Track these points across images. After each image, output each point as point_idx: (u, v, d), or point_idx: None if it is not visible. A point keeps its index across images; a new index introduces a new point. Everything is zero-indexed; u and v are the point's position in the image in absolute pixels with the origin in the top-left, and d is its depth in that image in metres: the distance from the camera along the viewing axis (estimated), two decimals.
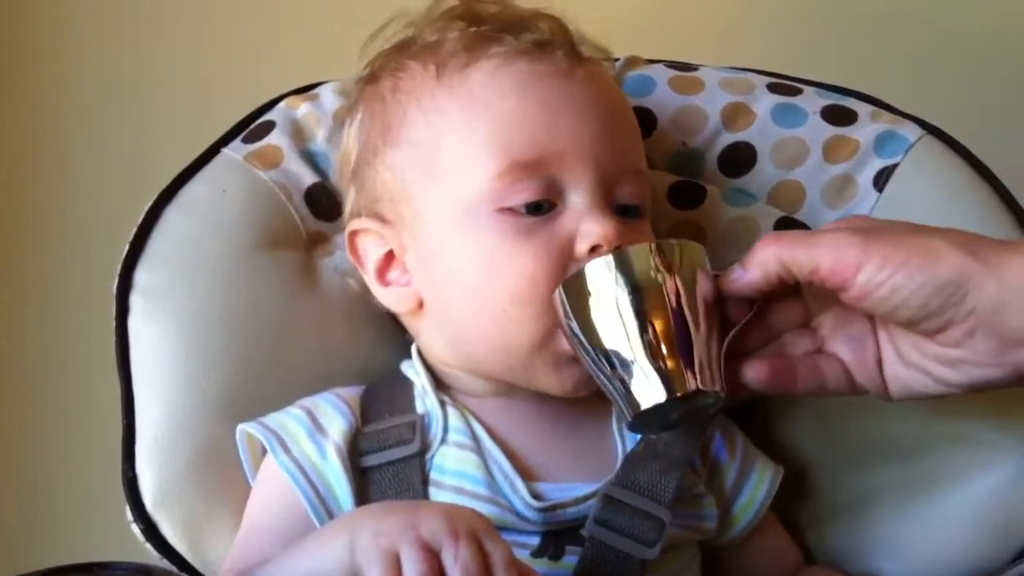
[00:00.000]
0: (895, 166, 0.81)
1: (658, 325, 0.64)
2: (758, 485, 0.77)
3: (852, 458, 0.79)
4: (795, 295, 0.70)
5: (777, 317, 0.70)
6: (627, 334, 0.64)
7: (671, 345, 0.64)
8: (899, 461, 0.77)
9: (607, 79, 0.76)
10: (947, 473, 0.75)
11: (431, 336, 0.75)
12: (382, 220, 0.75)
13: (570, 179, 0.70)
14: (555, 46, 0.73)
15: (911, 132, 0.83)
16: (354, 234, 0.76)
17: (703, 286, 0.66)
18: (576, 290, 0.66)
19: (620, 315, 0.65)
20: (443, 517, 0.59)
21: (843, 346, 0.69)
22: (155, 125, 1.08)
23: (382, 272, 0.75)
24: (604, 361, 0.65)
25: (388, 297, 0.76)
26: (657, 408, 0.65)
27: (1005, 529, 0.74)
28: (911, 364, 0.67)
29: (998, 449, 0.74)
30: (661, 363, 0.64)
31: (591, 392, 0.71)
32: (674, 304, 0.65)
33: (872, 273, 0.63)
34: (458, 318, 0.72)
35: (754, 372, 0.68)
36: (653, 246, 0.66)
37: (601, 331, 0.65)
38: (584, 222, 0.69)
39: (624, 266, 0.65)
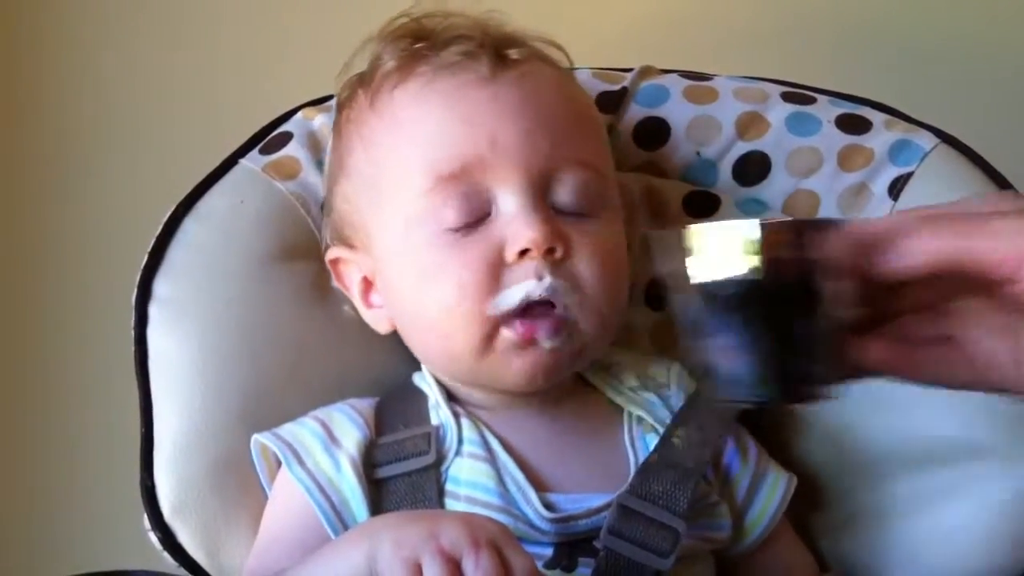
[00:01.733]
0: (910, 174, 0.81)
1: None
2: (771, 494, 0.77)
3: (866, 468, 0.79)
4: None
5: (901, 296, 0.61)
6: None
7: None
8: (913, 471, 0.77)
9: (544, 76, 0.75)
10: (962, 483, 0.75)
11: (414, 350, 0.76)
12: (351, 247, 0.76)
13: (496, 183, 0.70)
14: (481, 54, 0.72)
15: (926, 141, 0.82)
16: (334, 263, 0.78)
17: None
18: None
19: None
20: (464, 526, 0.59)
21: (985, 337, 0.59)
22: (173, 136, 1.09)
23: (365, 296, 0.77)
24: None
25: (372, 319, 0.77)
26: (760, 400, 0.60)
27: (1020, 539, 0.74)
28: None
29: (1012, 459, 0.74)
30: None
31: (557, 381, 0.71)
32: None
33: None
34: (410, 335, 0.74)
35: (877, 353, 0.60)
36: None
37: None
38: (512, 225, 0.69)
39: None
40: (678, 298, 0.59)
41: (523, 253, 0.69)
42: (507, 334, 0.69)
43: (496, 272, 0.69)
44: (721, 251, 0.56)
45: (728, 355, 0.57)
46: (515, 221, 0.69)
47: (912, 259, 0.56)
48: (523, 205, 0.70)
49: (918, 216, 0.58)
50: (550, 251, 0.69)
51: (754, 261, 0.56)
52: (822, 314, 0.57)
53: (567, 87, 0.77)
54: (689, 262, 0.57)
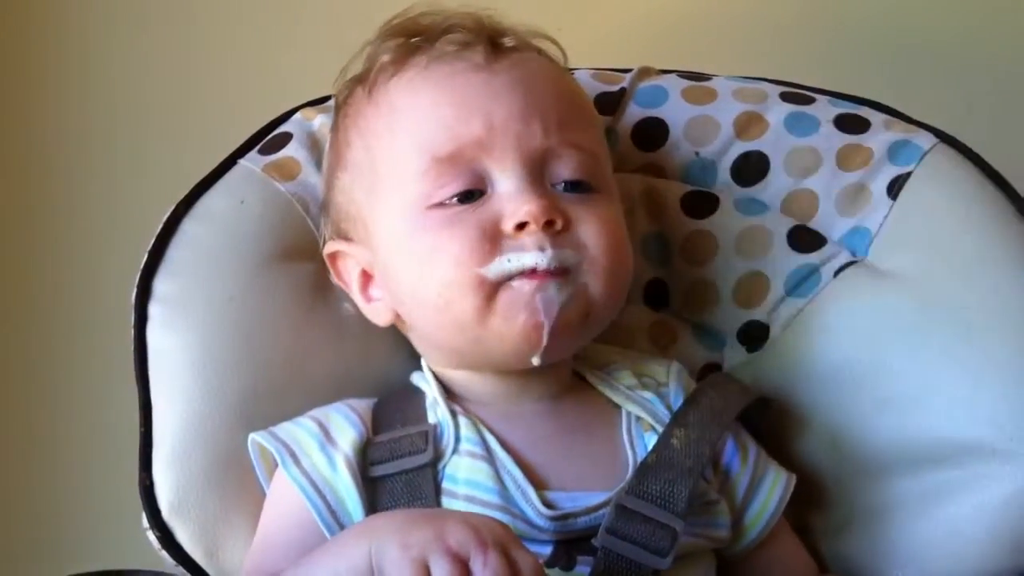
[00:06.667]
0: (909, 174, 0.81)
1: None
2: (770, 493, 0.76)
3: (867, 468, 0.78)
4: None
5: None
6: None
7: None
8: (914, 471, 0.76)
9: (537, 63, 0.75)
10: (962, 483, 0.75)
11: (419, 344, 0.77)
12: (348, 240, 0.77)
13: (493, 164, 0.71)
14: (475, 43, 0.73)
15: (925, 140, 0.82)
16: (332, 257, 0.78)
17: None
18: None
19: None
20: (469, 527, 0.59)
21: None
22: (173, 136, 1.09)
23: (364, 289, 0.77)
24: None
25: (372, 313, 0.77)
26: None
27: (1021, 540, 0.73)
28: None
29: (1014, 458, 0.73)
30: None
31: (564, 351, 0.72)
32: None
33: None
34: (416, 319, 0.74)
35: None
36: None
37: None
38: (510, 202, 0.70)
39: None
40: None
41: (521, 227, 0.69)
42: (511, 286, 0.69)
43: (494, 240, 0.69)
44: None
45: None
46: (513, 198, 0.70)
47: None
48: (520, 183, 0.70)
49: None
50: (549, 224, 0.69)
51: None
52: None
53: (561, 75, 0.77)
54: None
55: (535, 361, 0.71)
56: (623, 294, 0.75)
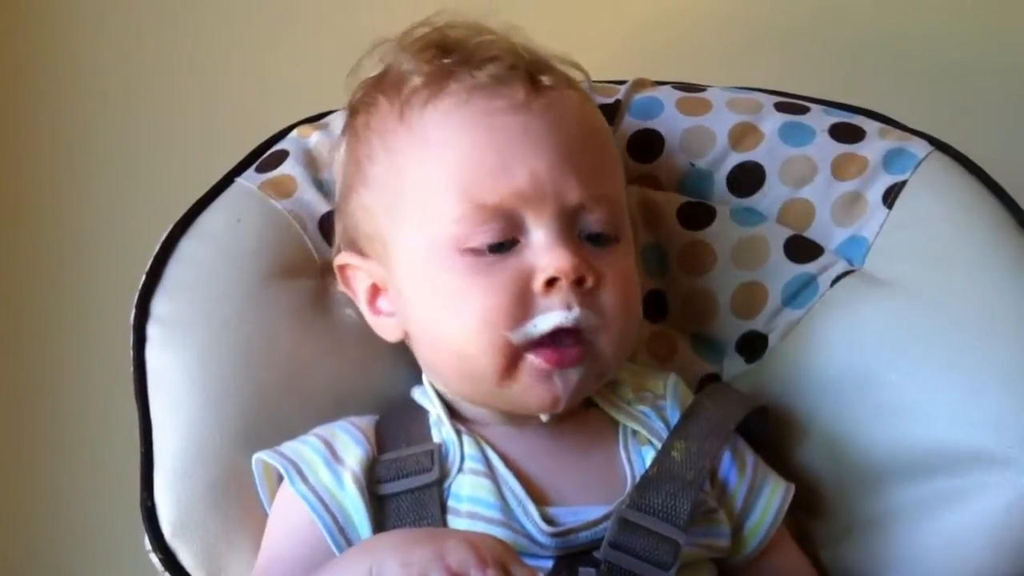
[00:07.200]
0: (904, 183, 0.81)
1: None
2: (769, 502, 0.76)
3: (866, 476, 0.78)
4: None
5: None
6: None
7: None
8: (914, 479, 0.76)
9: (571, 104, 0.74)
10: (963, 490, 0.75)
11: (425, 367, 0.77)
12: (362, 255, 0.76)
13: (530, 215, 0.70)
14: (514, 77, 0.72)
15: (920, 148, 0.83)
16: (342, 268, 0.78)
17: None
18: None
19: None
20: (469, 546, 0.59)
21: None
22: (170, 155, 1.09)
23: (372, 302, 0.77)
24: None
25: (379, 326, 0.77)
26: None
27: (1022, 547, 0.73)
28: None
29: (1013, 465, 0.73)
30: None
31: (575, 406, 0.72)
32: None
33: None
34: (430, 354, 0.74)
35: None
36: None
37: None
38: (543, 256, 0.70)
39: None
40: None
41: (551, 283, 0.69)
42: (532, 361, 0.70)
43: (524, 300, 0.69)
44: None
45: None
46: (546, 251, 0.70)
47: None
48: (554, 237, 0.70)
49: None
50: (579, 281, 0.69)
51: None
52: None
53: (592, 116, 0.77)
54: None
55: (544, 418, 0.73)
56: (632, 346, 0.76)
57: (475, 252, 0.70)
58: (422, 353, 0.76)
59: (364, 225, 0.75)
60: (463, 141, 0.71)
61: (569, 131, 0.72)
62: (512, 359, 0.70)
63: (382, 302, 0.76)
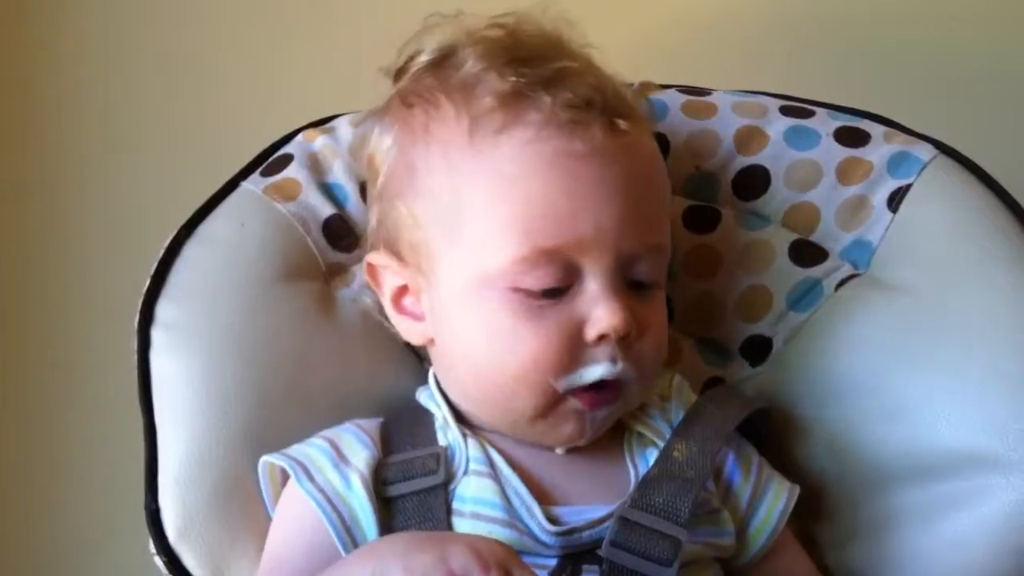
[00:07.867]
0: (909, 186, 0.81)
1: None
2: (773, 504, 0.77)
3: (870, 480, 0.78)
4: None
5: None
6: None
7: None
8: (917, 482, 0.76)
9: (642, 153, 0.73)
10: (966, 494, 0.75)
11: (442, 375, 0.76)
12: (400, 258, 0.75)
13: (588, 264, 0.70)
14: (592, 119, 0.70)
15: (925, 152, 0.82)
16: (372, 267, 0.77)
17: None
18: None
19: None
20: (472, 550, 0.60)
21: None
22: (174, 159, 1.09)
23: (397, 299, 0.76)
24: None
25: (402, 325, 0.77)
26: None
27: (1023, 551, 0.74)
28: None
29: (1016, 470, 0.73)
30: None
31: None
32: None
33: None
34: (463, 379, 0.74)
35: None
36: None
37: None
38: (596, 308, 0.69)
39: None
40: None
41: (602, 337, 0.69)
42: (572, 404, 0.71)
43: (573, 350, 0.69)
44: None
45: None
46: (598, 303, 0.69)
47: None
48: (608, 288, 0.70)
49: None
50: (625, 336, 0.70)
51: None
52: None
53: (659, 164, 0.76)
54: None
55: (560, 451, 0.74)
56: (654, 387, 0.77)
57: (526, 292, 0.69)
58: (451, 367, 0.75)
59: (408, 233, 0.74)
60: (534, 182, 0.69)
61: (637, 181, 0.71)
62: (553, 402, 0.71)
63: (409, 302, 0.76)
